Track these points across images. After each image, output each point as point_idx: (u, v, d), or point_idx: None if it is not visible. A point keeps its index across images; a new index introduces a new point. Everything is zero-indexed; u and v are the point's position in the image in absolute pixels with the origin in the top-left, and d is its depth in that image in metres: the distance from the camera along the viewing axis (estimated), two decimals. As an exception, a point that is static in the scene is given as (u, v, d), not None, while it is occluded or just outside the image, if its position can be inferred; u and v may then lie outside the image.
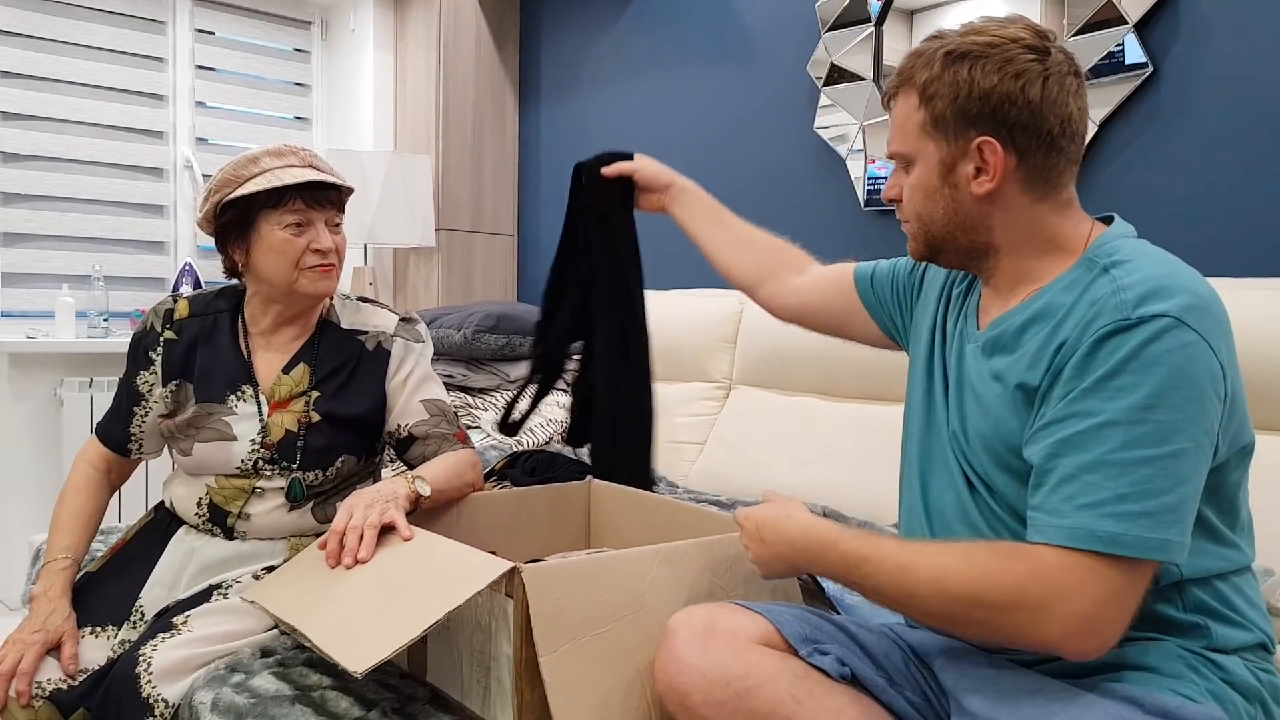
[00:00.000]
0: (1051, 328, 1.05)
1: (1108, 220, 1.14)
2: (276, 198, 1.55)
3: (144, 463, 1.76)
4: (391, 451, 1.71)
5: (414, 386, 1.67)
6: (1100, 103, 2.19)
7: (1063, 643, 0.95)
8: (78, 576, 1.59)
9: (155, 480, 3.37)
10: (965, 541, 1.08)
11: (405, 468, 1.63)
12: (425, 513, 1.59)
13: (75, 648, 1.47)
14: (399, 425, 1.66)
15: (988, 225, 1.11)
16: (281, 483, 1.59)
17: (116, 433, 1.68)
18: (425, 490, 1.49)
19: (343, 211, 1.65)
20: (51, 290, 3.45)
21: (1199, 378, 0.96)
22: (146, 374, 1.65)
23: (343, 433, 1.62)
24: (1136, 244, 1.07)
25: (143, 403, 1.65)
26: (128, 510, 3.35)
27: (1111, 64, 2.16)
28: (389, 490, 1.44)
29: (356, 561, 1.32)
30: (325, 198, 1.59)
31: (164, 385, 1.63)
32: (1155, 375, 0.95)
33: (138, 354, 1.66)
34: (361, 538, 1.33)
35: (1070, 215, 1.12)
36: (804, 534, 1.13)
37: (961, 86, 1.07)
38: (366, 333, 1.68)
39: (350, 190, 1.66)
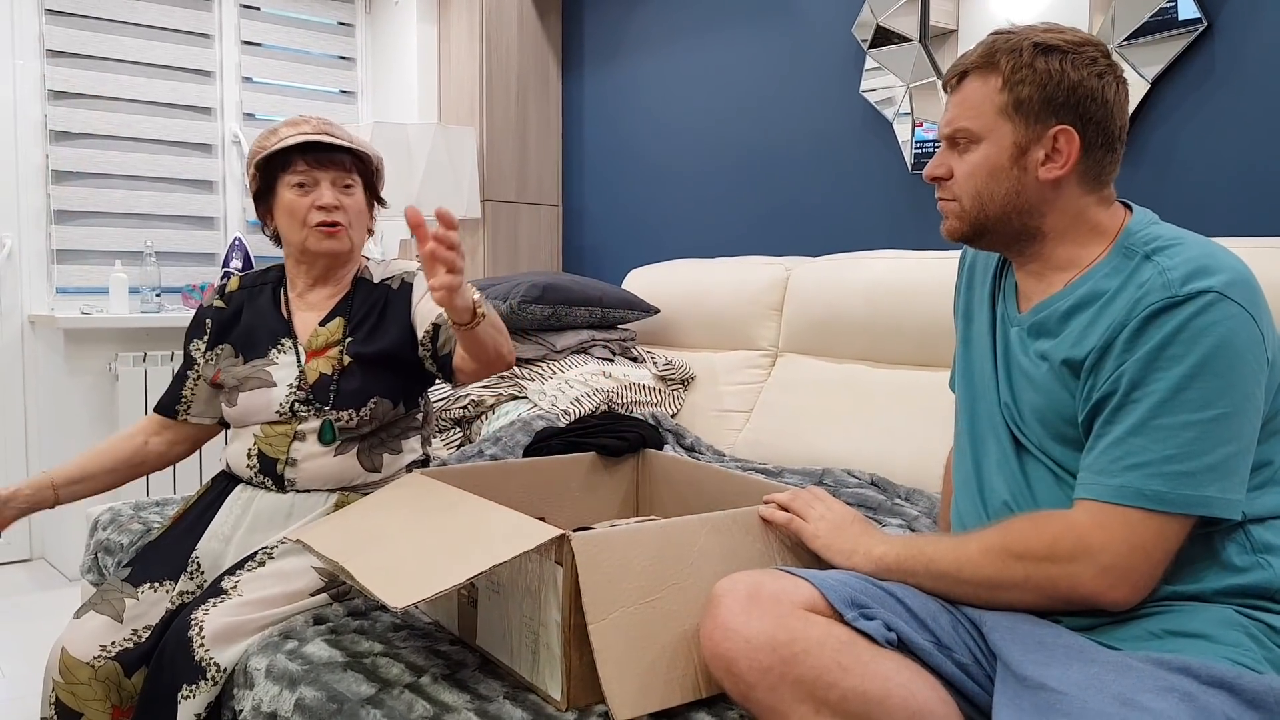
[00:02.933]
0: (1097, 310, 1.11)
1: (1126, 206, 1.21)
2: (285, 161, 1.66)
3: (199, 449, 1.82)
4: (434, 366, 1.70)
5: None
6: (1152, 60, 2.13)
7: (1098, 594, 1.04)
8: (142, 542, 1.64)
9: (211, 453, 3.43)
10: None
11: (449, 386, 1.66)
12: (476, 473, 1.60)
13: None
14: (429, 324, 1.66)
15: (1042, 211, 1.17)
16: (318, 424, 1.64)
17: (168, 397, 1.79)
18: (484, 307, 1.47)
19: (357, 174, 1.72)
20: (105, 266, 3.52)
21: (1240, 346, 1.02)
22: (199, 341, 1.77)
23: (375, 374, 1.67)
24: (1169, 229, 1.14)
25: (195, 366, 1.77)
26: (185, 481, 3.42)
27: (1163, 20, 2.10)
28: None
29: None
30: (329, 159, 1.68)
31: (210, 350, 1.75)
32: (1201, 346, 1.02)
33: (195, 325, 1.79)
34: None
35: (1109, 207, 1.19)
36: (873, 565, 1.20)
37: (1053, 76, 1.13)
38: (392, 276, 1.76)
39: (366, 154, 1.72)
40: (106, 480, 1.74)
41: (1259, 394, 1.04)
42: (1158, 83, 2.15)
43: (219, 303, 1.78)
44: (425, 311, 1.69)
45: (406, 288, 1.73)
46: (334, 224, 1.67)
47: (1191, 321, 1.02)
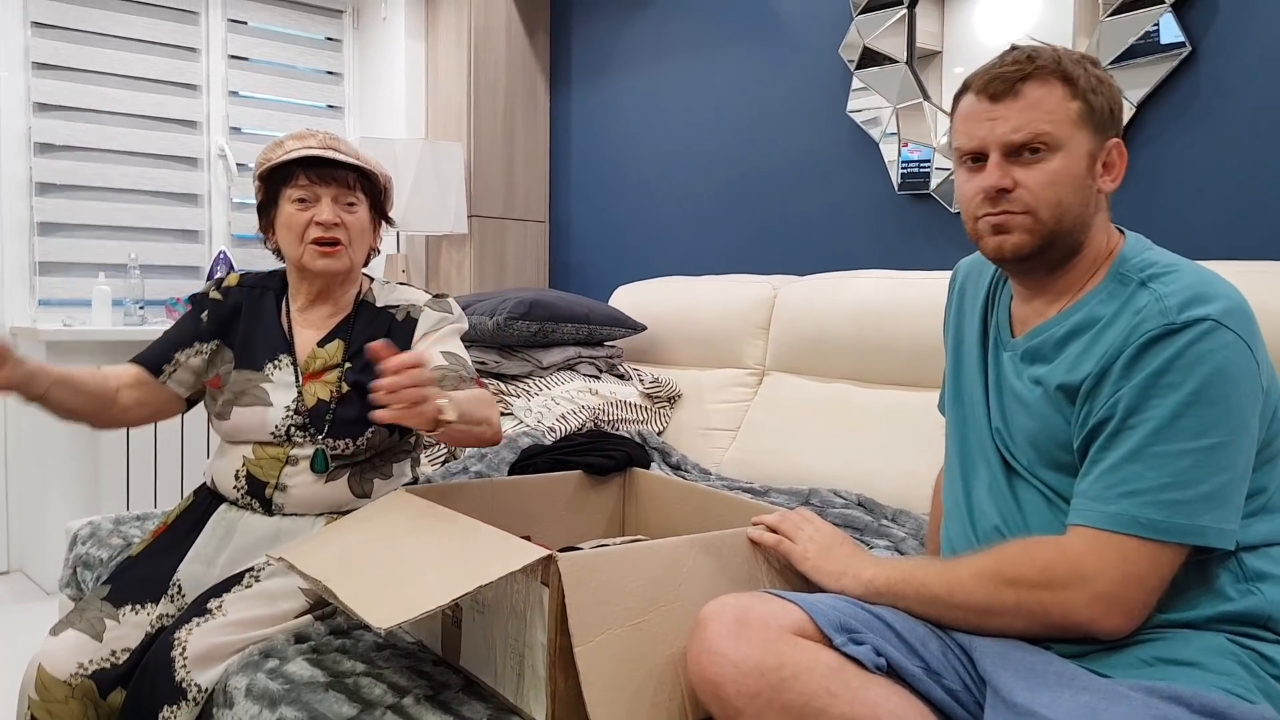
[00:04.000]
0: (1092, 336, 1.11)
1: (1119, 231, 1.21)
2: (287, 174, 1.63)
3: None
4: None
5: (436, 341, 1.70)
6: (1137, 83, 2.15)
7: (1091, 621, 1.03)
8: (124, 556, 1.61)
9: (192, 468, 3.40)
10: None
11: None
12: (462, 491, 1.59)
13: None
14: None
15: (1091, 226, 1.16)
16: (312, 451, 1.61)
17: (156, 354, 1.68)
18: (450, 415, 1.37)
19: (360, 192, 1.68)
20: (88, 279, 3.49)
21: (1237, 374, 1.02)
22: (204, 318, 1.71)
23: (373, 404, 1.62)
24: (1164, 255, 1.14)
25: (199, 340, 1.70)
26: (165, 496, 3.39)
27: (1148, 44, 2.12)
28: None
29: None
30: (331, 175, 1.64)
31: (206, 341, 1.69)
32: (1198, 374, 1.02)
33: (197, 303, 1.73)
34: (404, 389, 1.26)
35: (1108, 227, 1.19)
36: (862, 588, 1.19)
37: (1113, 88, 1.15)
38: (398, 306, 1.73)
39: (375, 174, 1.69)
40: (83, 401, 1.56)
41: (1254, 422, 1.05)
42: (1143, 106, 2.17)
43: (216, 294, 1.72)
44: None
45: (410, 323, 1.70)
46: (332, 241, 1.63)
47: (1188, 349, 1.02)
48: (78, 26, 3.45)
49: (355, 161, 1.65)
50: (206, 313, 1.71)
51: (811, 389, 2.49)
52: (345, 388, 1.63)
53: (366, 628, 1.49)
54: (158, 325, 3.47)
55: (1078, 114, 1.12)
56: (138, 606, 1.54)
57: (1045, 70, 1.13)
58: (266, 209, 1.69)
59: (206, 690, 1.37)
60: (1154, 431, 1.03)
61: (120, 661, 1.48)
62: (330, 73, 4.07)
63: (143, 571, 1.61)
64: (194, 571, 1.58)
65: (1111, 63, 2.17)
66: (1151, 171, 2.18)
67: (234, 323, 1.70)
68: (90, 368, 1.63)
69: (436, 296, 1.75)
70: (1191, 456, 1.02)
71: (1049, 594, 1.05)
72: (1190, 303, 1.04)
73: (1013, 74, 1.13)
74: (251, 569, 1.54)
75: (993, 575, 1.09)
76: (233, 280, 1.76)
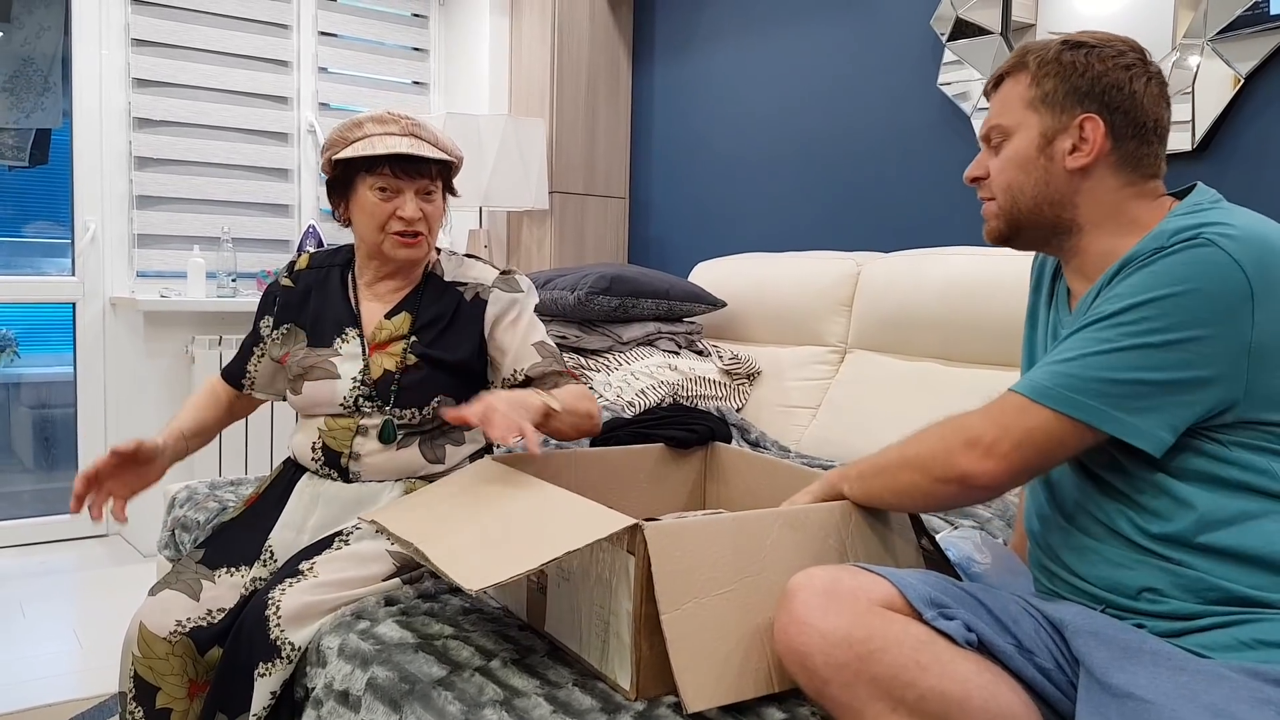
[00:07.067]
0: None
1: (1190, 190, 1.18)
2: (370, 164, 1.63)
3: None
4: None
5: (523, 332, 1.72)
6: (1244, 56, 2.07)
7: (964, 468, 1.10)
8: (215, 522, 1.68)
9: (280, 437, 3.50)
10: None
11: None
12: (544, 460, 1.61)
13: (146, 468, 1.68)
14: (514, 371, 1.70)
15: (1074, 201, 1.17)
16: (380, 421, 1.64)
17: (234, 368, 1.82)
18: (554, 404, 1.54)
19: (442, 181, 1.70)
20: (183, 251, 3.60)
21: (1209, 289, 0.99)
22: (268, 318, 1.79)
23: (439, 374, 1.67)
24: (1222, 206, 1.10)
25: (262, 343, 1.79)
26: (255, 463, 3.49)
27: (1256, 15, 2.04)
28: (521, 398, 1.48)
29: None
30: (416, 169, 1.64)
31: (277, 328, 1.75)
32: (1155, 277, 1.02)
33: (265, 302, 1.81)
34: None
35: (1154, 202, 1.17)
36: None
37: (1077, 67, 1.16)
38: (466, 284, 1.74)
39: (453, 160, 1.71)
40: (210, 438, 1.83)
41: (1217, 345, 1.00)
42: (1250, 79, 2.08)
43: (287, 281, 1.78)
44: (516, 354, 1.71)
45: (480, 304, 1.71)
46: (415, 234, 1.66)
47: (1162, 258, 1.03)
48: (175, 4, 3.55)
49: (438, 155, 1.64)
50: (278, 298, 1.77)
51: (896, 367, 2.45)
52: (412, 359, 1.66)
53: (456, 589, 1.52)
54: (249, 297, 3.56)
55: (1029, 98, 1.18)
56: (232, 569, 1.60)
57: (1014, 65, 1.21)
58: (341, 187, 1.70)
59: (300, 648, 1.41)
60: (1092, 321, 1.06)
61: (216, 620, 1.53)
62: (416, 49, 4.12)
63: (236, 536, 1.66)
64: (285, 538, 1.63)
65: (1218, 33, 2.09)
66: (1258, 146, 2.09)
67: (305, 305, 1.75)
68: (200, 398, 1.82)
69: (503, 273, 1.75)
70: (1110, 344, 1.03)
71: (941, 444, 1.13)
72: (1194, 228, 1.03)
73: (996, 74, 1.24)
74: (340, 533, 1.58)
75: (912, 439, 1.20)
76: (303, 263, 1.80)
